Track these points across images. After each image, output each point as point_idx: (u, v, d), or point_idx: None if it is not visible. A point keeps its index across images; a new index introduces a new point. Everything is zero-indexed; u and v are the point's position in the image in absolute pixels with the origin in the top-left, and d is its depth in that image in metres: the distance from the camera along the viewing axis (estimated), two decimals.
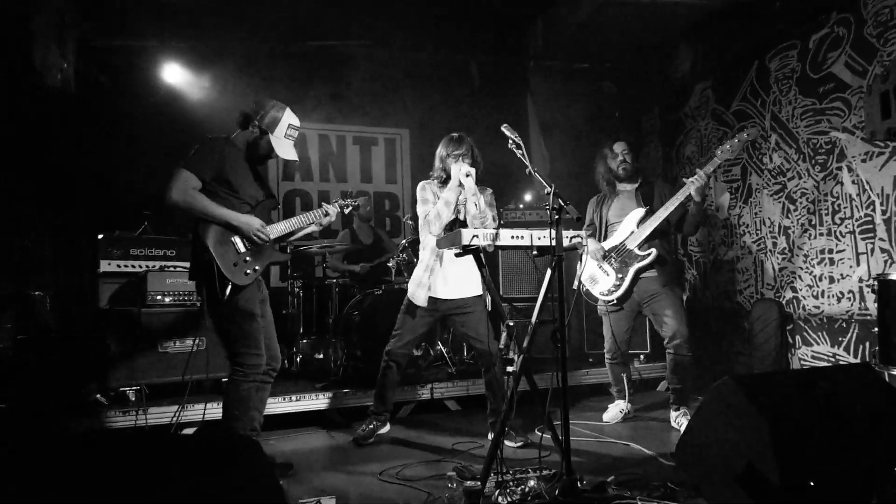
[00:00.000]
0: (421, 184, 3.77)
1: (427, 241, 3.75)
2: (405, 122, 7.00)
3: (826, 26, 4.46)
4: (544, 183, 2.81)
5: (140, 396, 4.02)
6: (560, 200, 2.76)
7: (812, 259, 4.59)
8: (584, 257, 3.35)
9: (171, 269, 4.51)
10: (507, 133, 3.06)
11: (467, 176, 3.51)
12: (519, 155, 3.00)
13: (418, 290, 3.70)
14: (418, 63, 6.53)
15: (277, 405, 4.11)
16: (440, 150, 3.73)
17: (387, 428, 3.98)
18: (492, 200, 3.70)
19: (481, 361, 3.78)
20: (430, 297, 3.68)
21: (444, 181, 3.68)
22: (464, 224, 3.61)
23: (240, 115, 3.15)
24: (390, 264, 5.06)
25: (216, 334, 3.09)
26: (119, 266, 4.48)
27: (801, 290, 4.68)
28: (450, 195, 3.55)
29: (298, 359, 5.15)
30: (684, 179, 3.66)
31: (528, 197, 6.09)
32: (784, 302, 4.81)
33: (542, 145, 6.57)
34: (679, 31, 5.82)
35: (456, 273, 3.69)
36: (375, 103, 6.63)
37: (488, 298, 3.77)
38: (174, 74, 5.63)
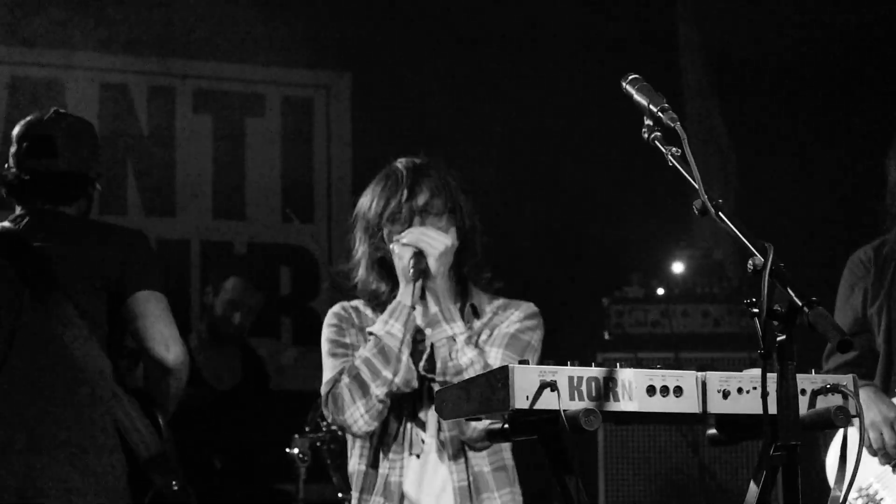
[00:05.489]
0: (331, 311, 2.59)
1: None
2: (338, 57, 4.54)
3: None
4: (748, 245, 1.33)
5: None
6: (792, 293, 1.34)
7: None
8: (849, 436, 1.84)
9: None
10: (642, 101, 1.52)
11: (418, 255, 2.29)
12: (670, 163, 1.47)
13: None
14: None
15: None
16: (361, 204, 2.46)
17: None
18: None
19: None
20: None
21: (376, 298, 2.45)
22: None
23: None
24: None
25: None
26: None
27: None
28: (395, 323, 2.35)
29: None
30: None
31: (677, 268, 4.31)
32: None
33: (720, 127, 4.86)
34: None
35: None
36: (262, 19, 4.26)
37: None
38: None
